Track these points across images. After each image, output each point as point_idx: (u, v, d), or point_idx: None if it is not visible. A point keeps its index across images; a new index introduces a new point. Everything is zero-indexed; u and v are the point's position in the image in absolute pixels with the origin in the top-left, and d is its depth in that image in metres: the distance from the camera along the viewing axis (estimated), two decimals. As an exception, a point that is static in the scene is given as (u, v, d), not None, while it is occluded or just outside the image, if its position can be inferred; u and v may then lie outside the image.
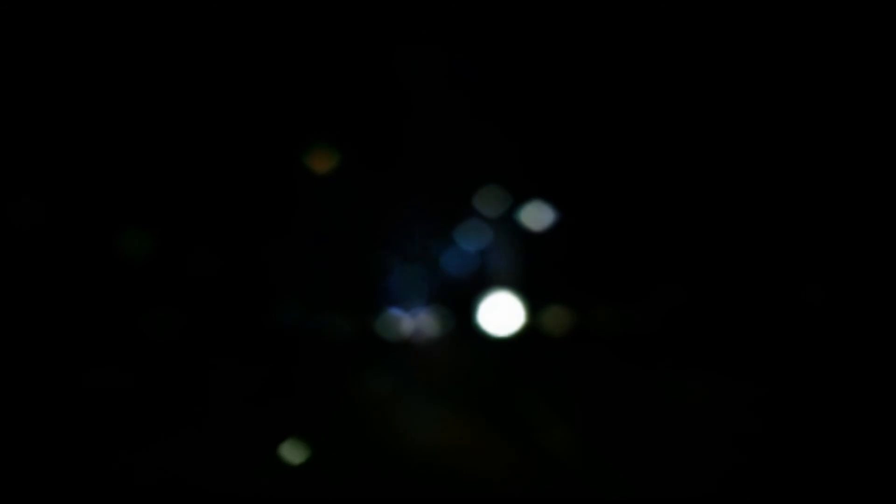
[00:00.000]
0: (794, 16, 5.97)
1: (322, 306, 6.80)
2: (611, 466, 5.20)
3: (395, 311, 6.66)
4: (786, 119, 6.32)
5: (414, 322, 6.63)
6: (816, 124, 6.26)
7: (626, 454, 5.17)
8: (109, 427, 5.72)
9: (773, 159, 6.42)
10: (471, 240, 6.71)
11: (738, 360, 6.66)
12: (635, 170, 6.63)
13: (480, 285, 6.81)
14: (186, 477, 4.91)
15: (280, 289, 6.77)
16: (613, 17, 6.18)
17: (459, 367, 6.62)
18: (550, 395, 6.33)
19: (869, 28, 5.87)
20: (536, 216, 6.76)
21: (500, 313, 6.81)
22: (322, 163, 6.03)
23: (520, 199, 6.75)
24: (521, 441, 5.86)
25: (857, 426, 5.55)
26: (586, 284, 6.74)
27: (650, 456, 5.12)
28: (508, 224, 6.78)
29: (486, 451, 5.73)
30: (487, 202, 6.65)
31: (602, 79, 6.41)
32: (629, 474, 4.88)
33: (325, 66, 6.43)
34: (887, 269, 6.33)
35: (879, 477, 4.62)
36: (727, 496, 4.62)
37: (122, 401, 5.91)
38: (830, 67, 6.08)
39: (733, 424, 5.84)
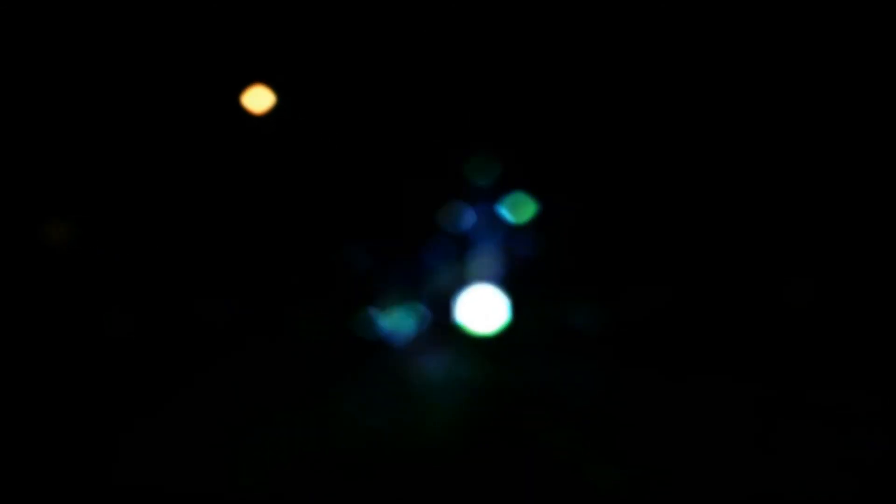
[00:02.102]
0: (790, 16, 6.01)
1: (293, 304, 6.58)
2: (604, 465, 5.15)
3: (372, 309, 6.40)
4: (775, 113, 6.28)
5: (392, 320, 6.37)
6: (805, 119, 6.24)
7: (620, 453, 5.12)
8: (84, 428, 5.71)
9: (763, 152, 6.35)
10: (452, 228, 6.48)
11: (729, 358, 6.53)
12: (626, 161, 6.50)
13: (462, 279, 6.57)
14: (168, 480, 4.96)
15: (246, 285, 6.56)
16: (603, 13, 6.15)
17: (441, 366, 6.49)
18: (538, 394, 6.35)
19: (869, 28, 5.91)
20: (521, 207, 6.56)
21: (483, 309, 6.56)
22: (258, 102, 5.77)
23: (506, 188, 6.57)
24: (510, 443, 5.83)
25: (853, 425, 5.65)
26: (574, 279, 6.53)
27: (643, 455, 5.05)
28: (493, 214, 6.58)
29: (471, 453, 5.71)
30: (474, 177, 6.43)
31: (592, 72, 6.29)
32: (623, 473, 4.80)
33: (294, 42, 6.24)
34: (882, 268, 6.29)
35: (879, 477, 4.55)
36: (720, 496, 4.53)
37: (98, 401, 5.92)
38: (816, 65, 6.09)
39: (724, 424, 5.86)
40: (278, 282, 6.59)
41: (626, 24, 6.23)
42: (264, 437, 5.78)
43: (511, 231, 6.57)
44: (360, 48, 6.38)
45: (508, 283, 6.64)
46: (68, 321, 6.45)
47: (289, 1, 5.97)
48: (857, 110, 6.08)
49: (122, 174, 6.47)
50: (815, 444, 5.46)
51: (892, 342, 6.11)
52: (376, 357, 6.52)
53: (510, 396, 6.25)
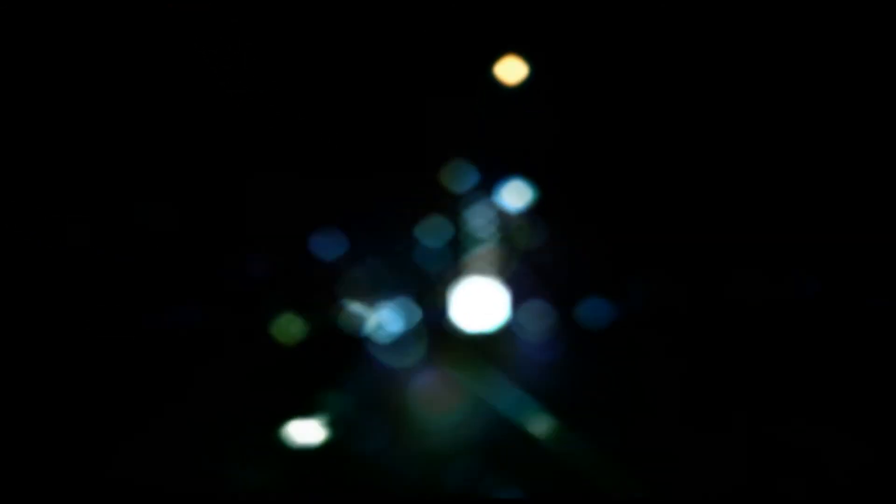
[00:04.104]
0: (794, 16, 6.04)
1: (272, 302, 6.34)
2: (608, 465, 5.04)
3: (357, 306, 6.14)
4: (781, 112, 6.26)
5: (378, 317, 6.10)
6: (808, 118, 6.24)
7: (623, 453, 5.10)
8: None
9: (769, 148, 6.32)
10: (445, 218, 6.23)
11: (734, 355, 6.43)
12: (629, 144, 6.39)
13: (455, 274, 6.30)
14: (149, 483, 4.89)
15: (223, 282, 6.33)
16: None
17: (434, 368, 6.39)
18: (540, 396, 6.15)
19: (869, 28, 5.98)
20: (517, 194, 6.29)
21: (480, 305, 6.30)
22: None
23: (499, 175, 6.31)
24: (510, 445, 5.71)
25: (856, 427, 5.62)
26: (577, 270, 6.34)
27: (648, 455, 5.05)
28: (485, 203, 6.31)
29: (466, 458, 5.62)
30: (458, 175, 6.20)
31: (598, 57, 6.19)
32: (627, 473, 4.76)
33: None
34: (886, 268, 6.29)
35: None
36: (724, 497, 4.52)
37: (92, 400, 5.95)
38: (818, 66, 6.13)
39: (729, 421, 5.82)
40: (257, 278, 6.35)
41: (632, 30, 6.16)
42: (244, 442, 5.71)
43: (509, 220, 6.31)
44: (345, 40, 6.23)
45: (507, 277, 6.38)
46: (42, 325, 6.37)
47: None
48: (858, 110, 6.17)
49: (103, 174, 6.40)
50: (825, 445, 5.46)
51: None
52: (361, 357, 6.34)
53: (509, 398, 6.12)
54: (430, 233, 6.30)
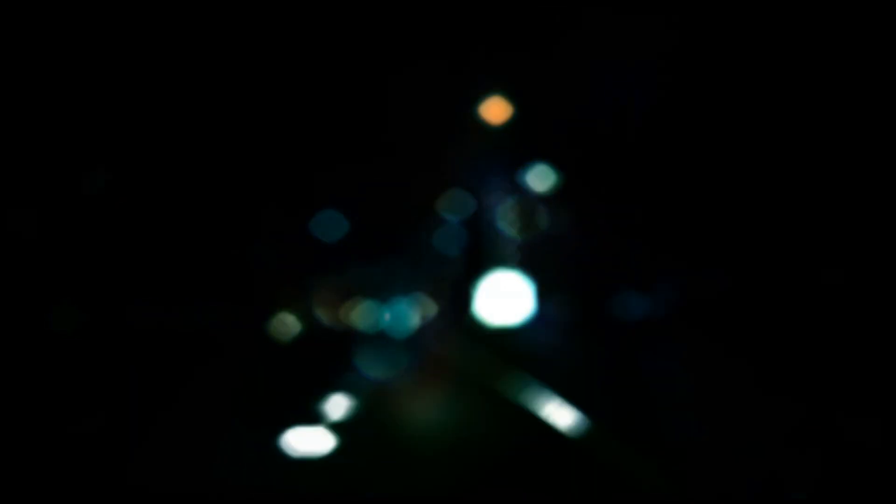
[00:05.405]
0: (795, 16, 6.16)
1: (294, 298, 6.11)
2: (629, 457, 4.84)
3: (374, 302, 5.89)
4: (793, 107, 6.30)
5: (394, 312, 5.87)
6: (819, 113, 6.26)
7: (644, 444, 4.84)
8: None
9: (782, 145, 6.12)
10: (460, 209, 5.95)
11: (753, 346, 6.18)
12: (653, 145, 6.21)
13: (477, 266, 6.05)
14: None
15: (252, 280, 6.13)
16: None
17: (454, 359, 6.20)
18: (558, 387, 5.96)
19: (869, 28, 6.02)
20: (541, 180, 6.03)
21: (502, 299, 6.04)
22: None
23: (522, 161, 6.08)
24: (530, 434, 5.44)
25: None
26: (599, 269, 6.13)
27: (670, 446, 4.79)
28: (509, 190, 6.05)
29: (490, 455, 5.29)
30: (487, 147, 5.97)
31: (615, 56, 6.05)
32: (649, 465, 4.51)
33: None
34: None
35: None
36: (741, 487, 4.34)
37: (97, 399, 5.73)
38: (835, 67, 6.16)
39: (746, 413, 5.59)
40: (272, 272, 6.16)
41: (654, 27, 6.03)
42: (244, 440, 5.48)
43: (533, 206, 6.06)
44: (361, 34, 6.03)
45: (532, 268, 6.15)
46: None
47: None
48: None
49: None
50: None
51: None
52: (370, 355, 6.13)
53: (534, 395, 5.93)
54: (452, 222, 6.05)
